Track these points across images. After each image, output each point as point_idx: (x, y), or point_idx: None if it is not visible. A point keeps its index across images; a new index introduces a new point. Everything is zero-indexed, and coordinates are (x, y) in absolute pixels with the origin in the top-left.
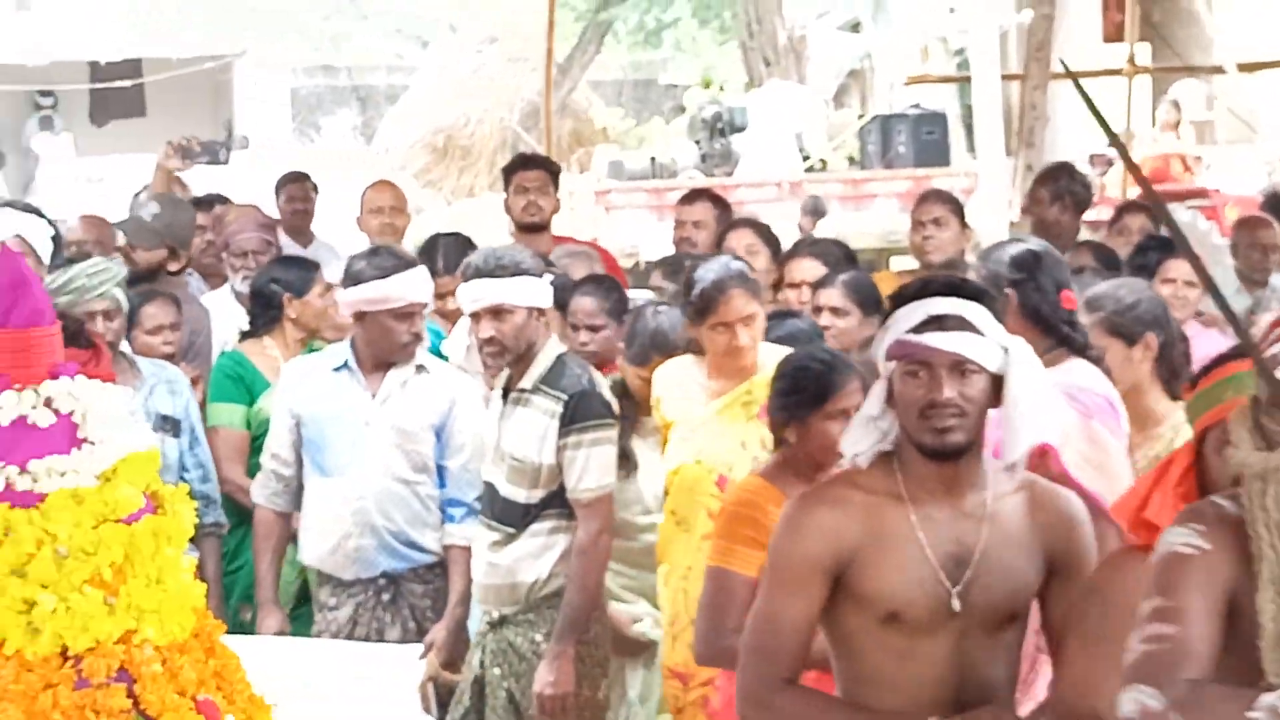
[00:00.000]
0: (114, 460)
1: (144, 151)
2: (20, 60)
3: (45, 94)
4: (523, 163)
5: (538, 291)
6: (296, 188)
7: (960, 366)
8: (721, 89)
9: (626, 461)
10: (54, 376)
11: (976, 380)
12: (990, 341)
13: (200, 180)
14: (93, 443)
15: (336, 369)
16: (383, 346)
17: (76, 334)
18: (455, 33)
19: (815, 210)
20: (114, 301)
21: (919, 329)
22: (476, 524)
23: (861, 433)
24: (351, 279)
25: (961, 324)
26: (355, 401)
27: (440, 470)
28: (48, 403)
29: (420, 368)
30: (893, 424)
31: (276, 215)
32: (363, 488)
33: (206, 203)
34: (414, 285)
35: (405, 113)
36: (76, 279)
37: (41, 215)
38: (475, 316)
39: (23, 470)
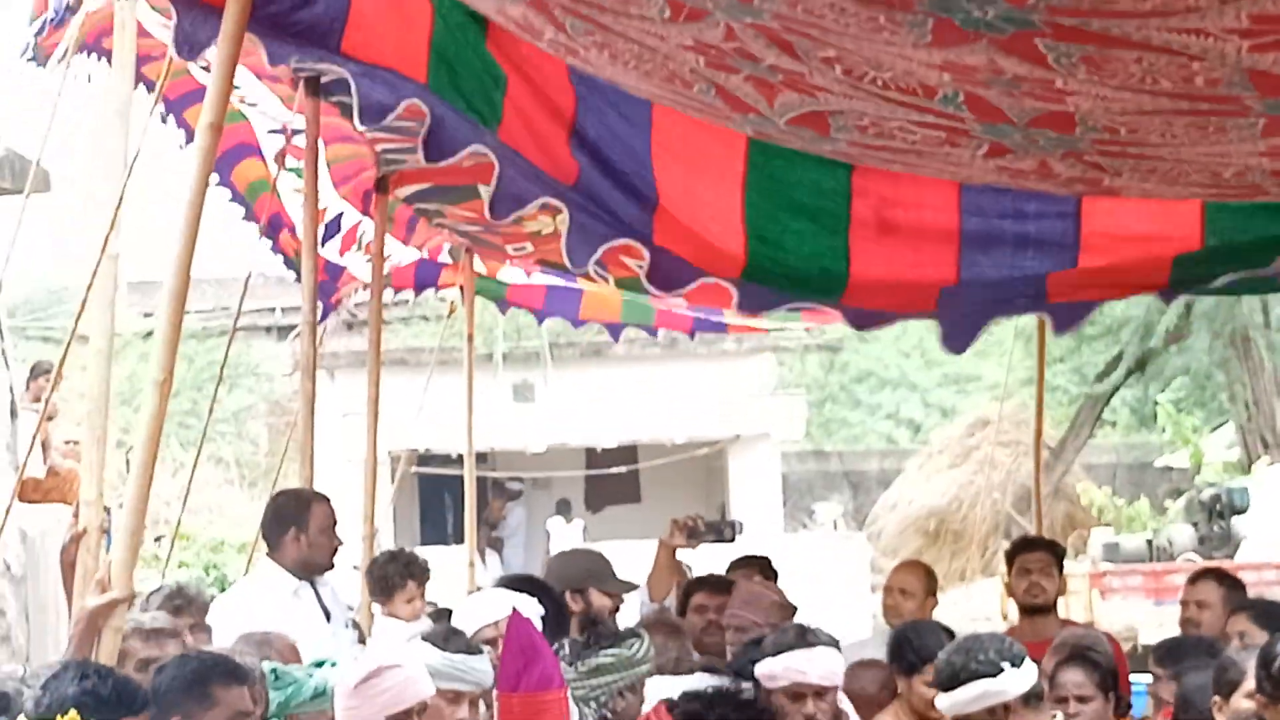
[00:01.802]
0: None
1: (639, 539)
2: (520, 447)
3: (515, 479)
4: (1026, 544)
5: (993, 691)
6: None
7: None
8: (1223, 469)
9: None
10: None
11: None
12: None
13: (695, 560)
14: None
15: None
16: None
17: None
18: (947, 416)
19: None
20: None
21: None
22: None
23: None
24: None
25: None
26: None
27: None
28: None
29: None
30: None
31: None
32: None
33: (713, 584)
34: None
35: (897, 497)
36: (603, 658)
37: (537, 594)
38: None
39: None
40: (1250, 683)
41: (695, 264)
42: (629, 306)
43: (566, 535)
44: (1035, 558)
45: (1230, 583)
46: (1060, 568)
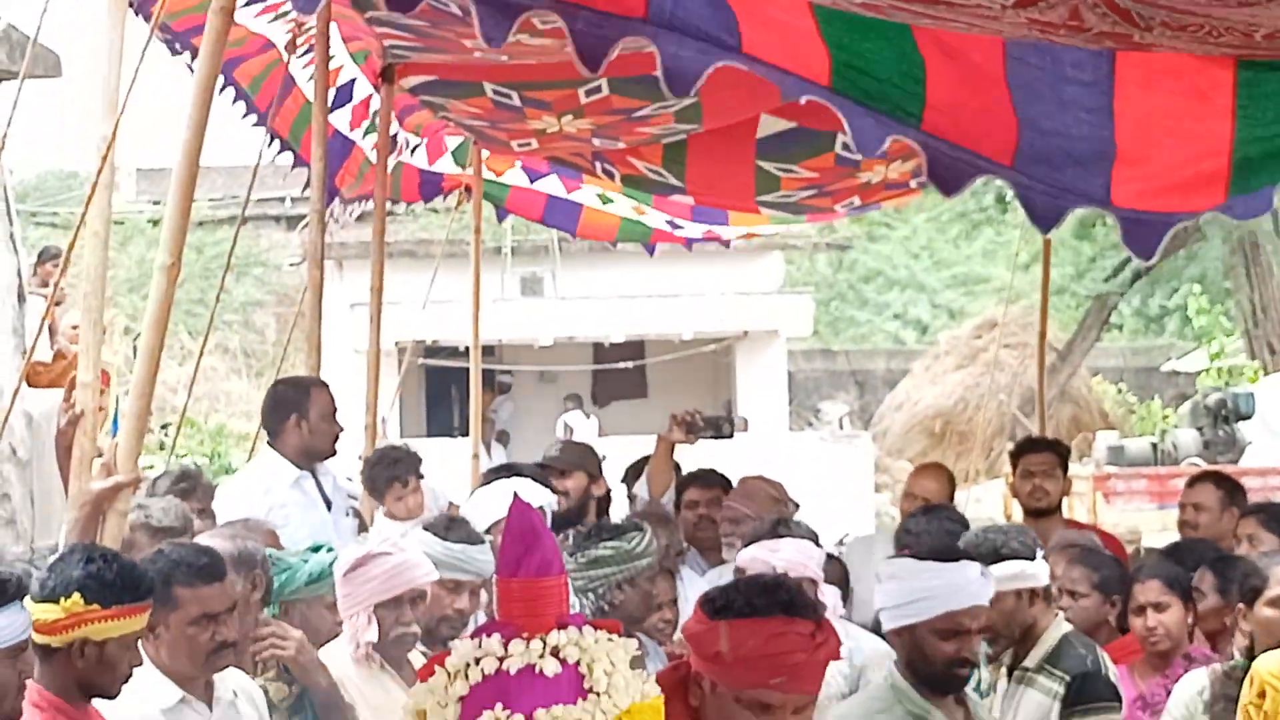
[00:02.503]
0: (619, 711)
1: (644, 433)
2: (528, 340)
3: (504, 373)
4: (1029, 446)
5: (1026, 572)
6: None
7: None
8: (1228, 376)
9: None
10: (562, 627)
11: None
12: None
13: (699, 456)
14: (598, 693)
15: None
16: None
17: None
18: (955, 318)
19: None
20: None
21: None
22: None
23: None
24: None
25: None
26: None
27: None
28: (555, 652)
29: None
30: None
31: None
32: None
33: (702, 478)
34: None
35: (903, 397)
36: (602, 550)
37: (542, 480)
38: None
39: (529, 719)
40: (1276, 589)
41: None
42: (626, 225)
43: (583, 429)
44: (1039, 460)
45: (1229, 485)
46: (1065, 469)
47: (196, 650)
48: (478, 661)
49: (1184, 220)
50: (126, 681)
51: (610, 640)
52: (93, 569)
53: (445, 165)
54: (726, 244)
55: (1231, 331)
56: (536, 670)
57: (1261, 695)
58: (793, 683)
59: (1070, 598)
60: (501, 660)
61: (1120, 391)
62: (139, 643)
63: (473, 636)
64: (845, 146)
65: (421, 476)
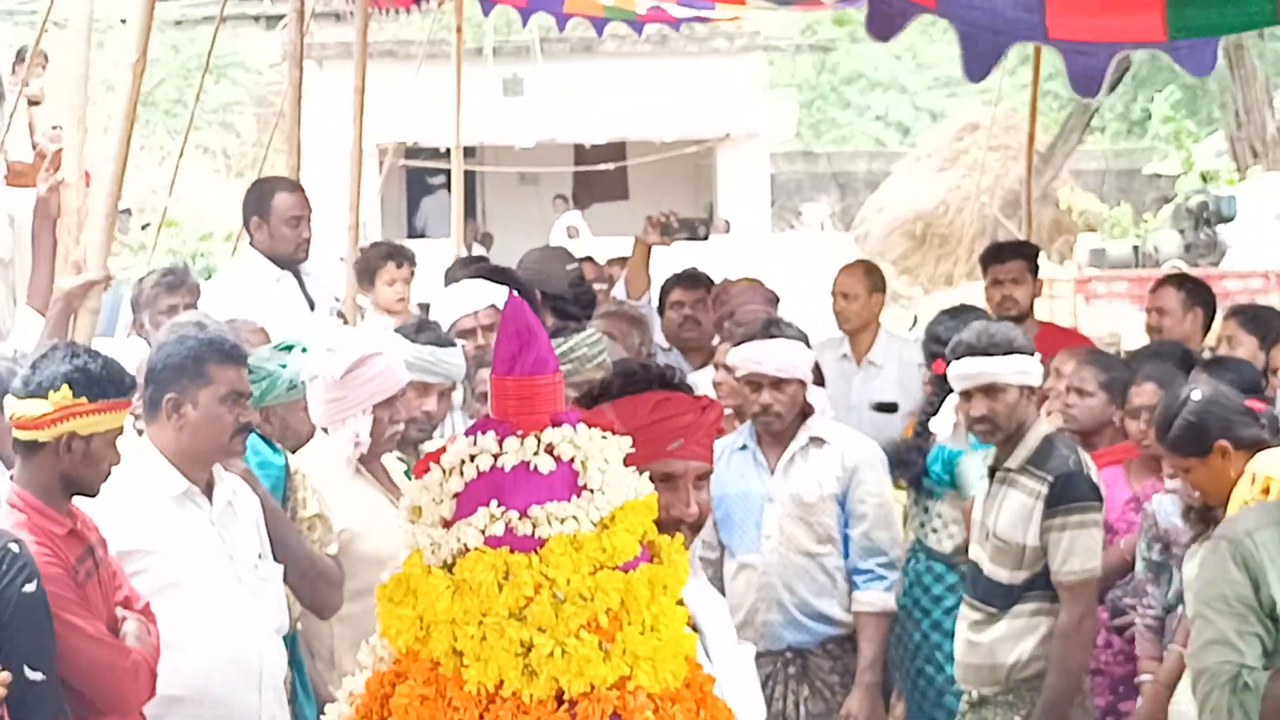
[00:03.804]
0: (612, 508)
1: (626, 235)
2: (509, 142)
3: (435, 173)
4: (996, 253)
5: (1030, 369)
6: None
7: None
8: (1208, 178)
9: None
10: (556, 424)
11: None
12: None
13: (680, 258)
14: (592, 490)
15: (740, 448)
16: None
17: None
18: (937, 120)
19: None
20: (610, 371)
21: None
22: (880, 589)
23: None
24: None
25: None
26: (756, 478)
27: (845, 539)
28: (549, 449)
29: (817, 439)
30: None
31: None
32: (766, 562)
33: (687, 279)
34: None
35: (884, 200)
36: (577, 348)
37: (517, 284)
38: (966, 394)
39: (523, 515)
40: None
41: None
42: (611, 7)
43: (584, 230)
44: (1007, 269)
45: (1190, 287)
46: (1035, 271)
47: (224, 428)
48: (472, 459)
49: (1124, 50)
50: (106, 479)
51: (604, 438)
52: (79, 363)
53: None
54: (710, 21)
55: (1199, 137)
56: (531, 467)
57: (1265, 491)
58: (689, 447)
59: (1078, 395)
60: (496, 457)
61: (1101, 200)
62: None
63: (467, 434)
64: None
65: (414, 265)
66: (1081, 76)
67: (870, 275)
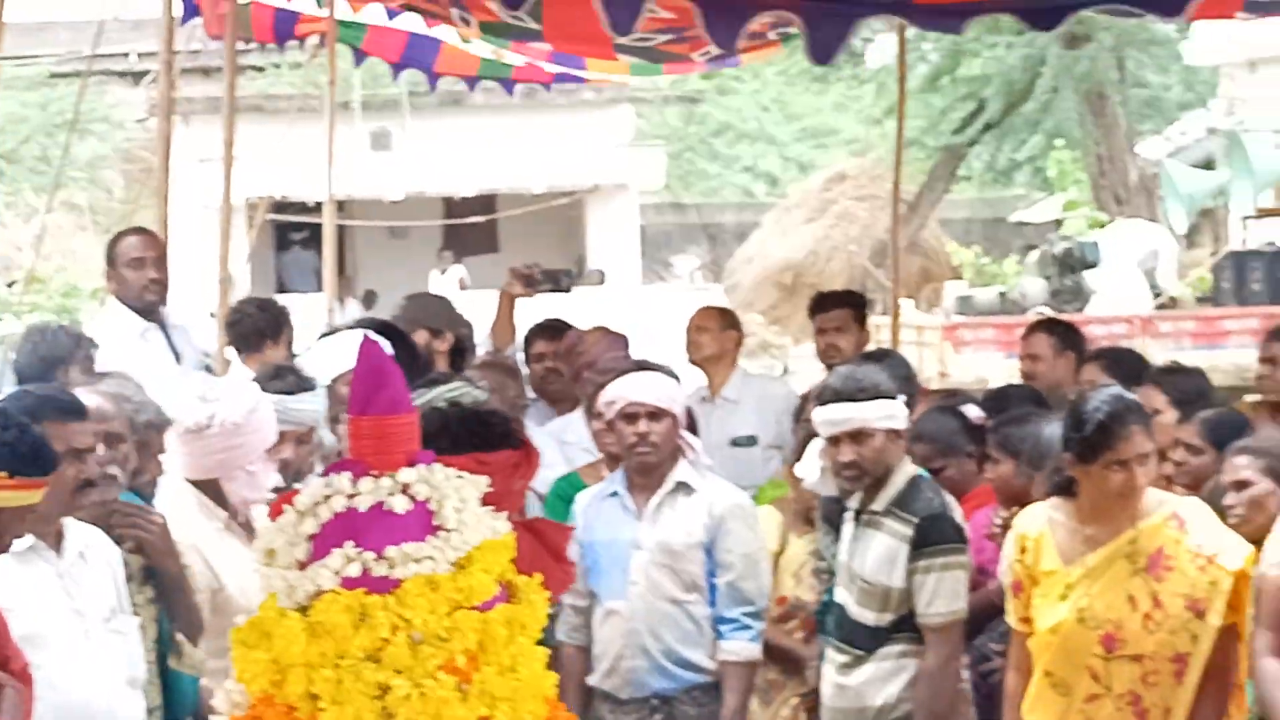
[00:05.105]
0: (469, 548)
1: (496, 287)
2: (378, 195)
3: (298, 226)
4: (820, 303)
5: (896, 413)
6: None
7: None
8: (1080, 225)
9: None
10: (412, 464)
11: None
12: None
13: (550, 310)
14: (448, 530)
15: (610, 495)
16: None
17: (507, 434)
18: (805, 171)
19: None
20: None
21: None
22: (746, 639)
23: None
24: None
25: None
26: (624, 525)
27: (712, 588)
28: (405, 489)
29: (685, 486)
30: None
31: None
32: (632, 609)
33: (550, 329)
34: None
35: (754, 250)
36: (436, 402)
37: (397, 336)
38: (833, 440)
39: (379, 556)
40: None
41: None
42: (486, 64)
43: (443, 285)
44: (830, 317)
45: (1060, 331)
46: (861, 320)
47: (62, 485)
48: (327, 499)
49: (980, 9)
50: (4, 552)
51: (460, 478)
52: (7, 436)
53: (301, 3)
54: (584, 81)
55: (1064, 185)
56: (386, 507)
57: (1023, 551)
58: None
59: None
60: (351, 497)
61: (972, 251)
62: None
63: (323, 474)
64: None
65: (291, 330)
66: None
67: (724, 314)
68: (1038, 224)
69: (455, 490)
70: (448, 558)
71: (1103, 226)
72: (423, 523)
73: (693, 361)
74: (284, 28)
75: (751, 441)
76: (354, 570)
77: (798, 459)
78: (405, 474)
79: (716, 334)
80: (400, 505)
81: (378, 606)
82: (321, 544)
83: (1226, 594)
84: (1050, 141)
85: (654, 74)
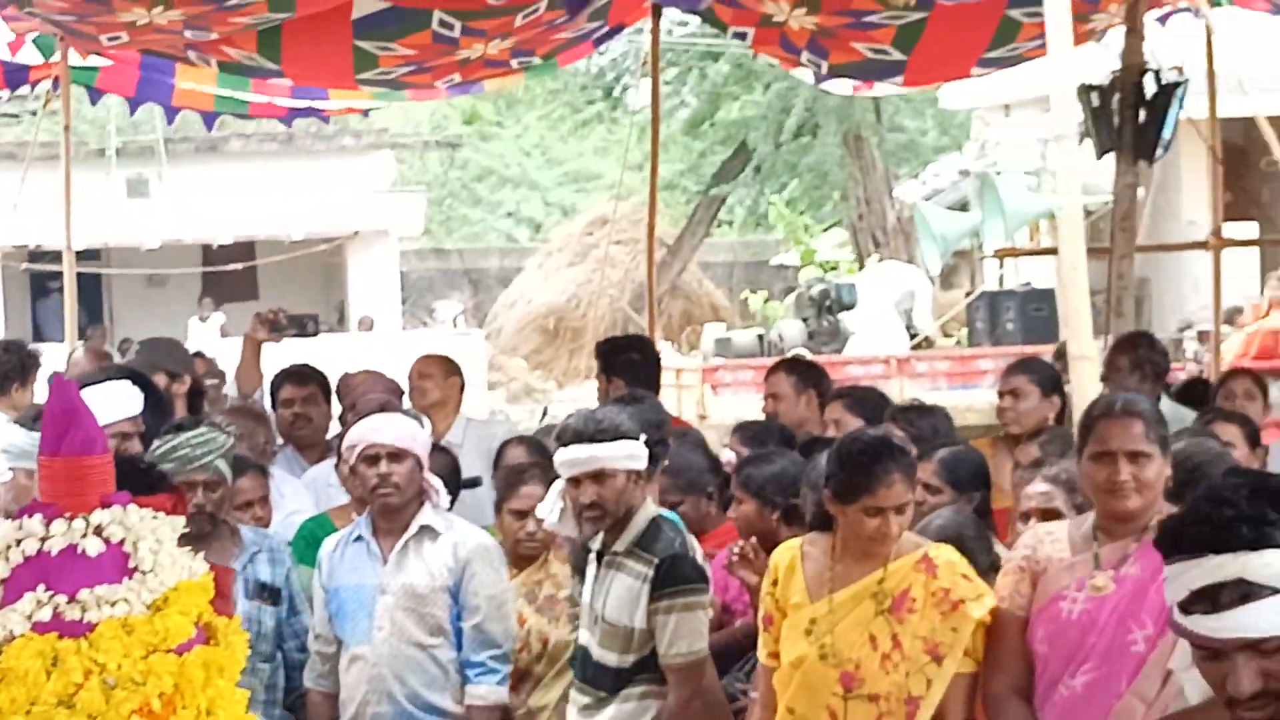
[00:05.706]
0: (165, 589)
1: None
2: (135, 243)
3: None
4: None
5: (636, 454)
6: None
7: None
8: (828, 268)
9: None
10: (106, 505)
11: None
12: None
13: (310, 357)
14: (144, 572)
15: (355, 540)
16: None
17: (162, 477)
18: (568, 215)
19: None
20: (216, 473)
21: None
22: (493, 682)
23: None
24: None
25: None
26: (369, 570)
27: (458, 631)
28: (98, 531)
29: (430, 529)
30: None
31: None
32: (377, 654)
33: (296, 375)
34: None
35: (516, 295)
36: (180, 448)
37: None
38: (574, 480)
39: (71, 599)
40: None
41: None
42: (221, 100)
43: (204, 332)
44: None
45: (800, 370)
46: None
47: None
48: (19, 543)
49: None
50: None
51: (155, 518)
52: None
53: (29, 56)
54: (326, 119)
55: (815, 231)
56: (79, 550)
57: (775, 583)
58: None
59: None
60: (43, 540)
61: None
62: None
63: (14, 518)
64: (442, 23)
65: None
66: None
67: (446, 362)
68: (798, 266)
69: (151, 531)
70: (143, 600)
71: (850, 270)
72: (117, 565)
73: (417, 408)
74: (16, 77)
75: (477, 483)
76: (45, 614)
77: (503, 500)
78: (99, 515)
79: (440, 381)
80: (93, 547)
81: (70, 651)
82: (13, 588)
83: (966, 641)
84: (812, 184)
85: (398, 100)
